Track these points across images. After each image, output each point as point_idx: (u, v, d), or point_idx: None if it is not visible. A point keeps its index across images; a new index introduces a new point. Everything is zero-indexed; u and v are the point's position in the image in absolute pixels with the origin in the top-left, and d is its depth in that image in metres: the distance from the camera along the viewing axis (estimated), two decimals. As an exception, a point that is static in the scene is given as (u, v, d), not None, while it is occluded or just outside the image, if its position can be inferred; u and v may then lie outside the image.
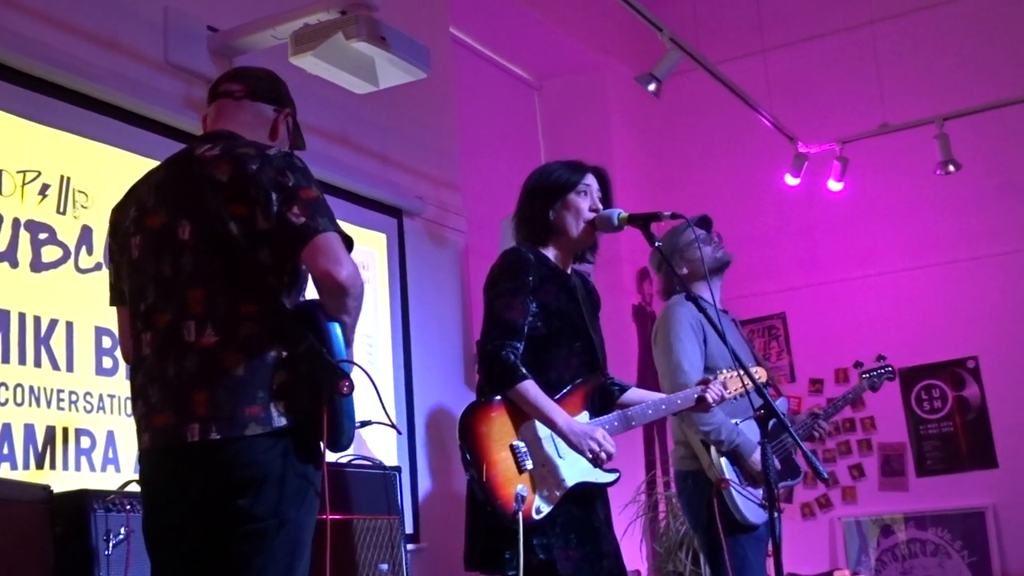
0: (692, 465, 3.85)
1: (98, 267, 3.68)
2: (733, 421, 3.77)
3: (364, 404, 2.47)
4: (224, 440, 2.19)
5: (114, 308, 2.53)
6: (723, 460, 3.75)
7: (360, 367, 2.32)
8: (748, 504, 3.76)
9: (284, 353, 2.26)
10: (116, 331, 2.57)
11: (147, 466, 2.36)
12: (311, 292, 2.36)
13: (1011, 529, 6.62)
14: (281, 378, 2.24)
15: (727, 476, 3.73)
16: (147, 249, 2.37)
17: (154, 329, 2.32)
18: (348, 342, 2.32)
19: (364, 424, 2.67)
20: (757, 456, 3.73)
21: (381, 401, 2.42)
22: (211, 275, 2.27)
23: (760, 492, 3.76)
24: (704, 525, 3.81)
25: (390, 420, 2.57)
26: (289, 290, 2.32)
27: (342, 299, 2.25)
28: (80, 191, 3.70)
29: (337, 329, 2.27)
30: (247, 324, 2.25)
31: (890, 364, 4.47)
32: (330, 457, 4.03)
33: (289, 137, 2.61)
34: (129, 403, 2.44)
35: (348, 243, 2.31)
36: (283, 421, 2.23)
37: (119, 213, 2.50)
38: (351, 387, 2.24)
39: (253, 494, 2.20)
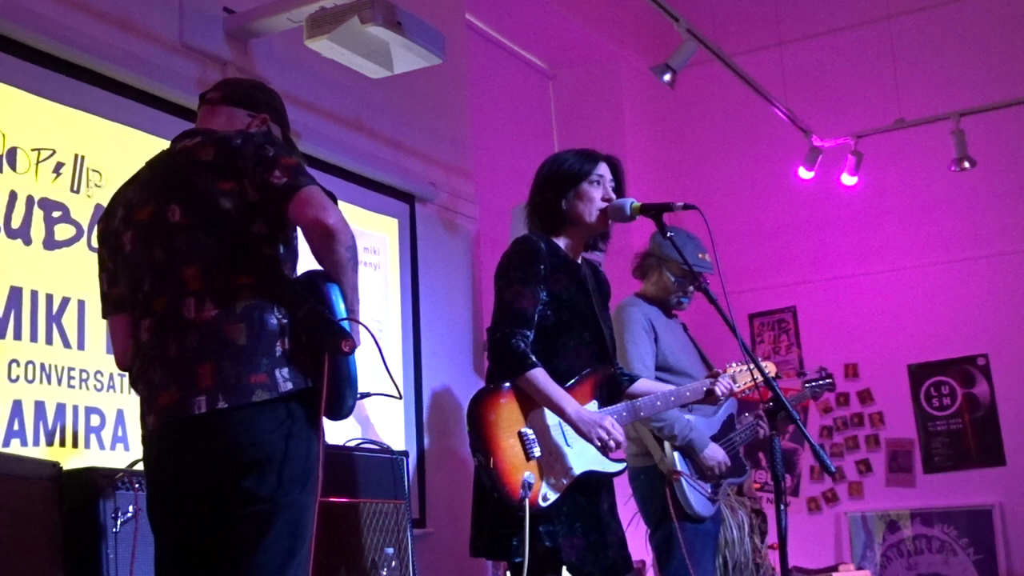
0: (644, 462, 3.98)
1: (110, 246, 3.69)
2: (688, 416, 3.92)
3: (369, 375, 2.46)
4: (231, 408, 2.20)
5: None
6: (676, 454, 3.90)
7: (363, 324, 2.31)
8: (697, 496, 3.91)
9: (285, 319, 2.27)
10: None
11: (152, 445, 2.37)
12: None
13: (1018, 527, 6.61)
14: (284, 344, 2.26)
15: (679, 468, 3.88)
16: (139, 240, 2.39)
17: (152, 314, 2.33)
18: (352, 308, 2.31)
19: (365, 395, 2.67)
20: (709, 451, 3.91)
21: (384, 362, 2.40)
22: (205, 252, 2.29)
23: (709, 486, 3.96)
24: (656, 519, 3.97)
25: (394, 382, 2.55)
26: (285, 261, 2.34)
27: (332, 245, 2.25)
28: (94, 170, 3.71)
29: (336, 291, 2.27)
30: (245, 294, 2.27)
31: (831, 376, 4.64)
32: (338, 440, 4.05)
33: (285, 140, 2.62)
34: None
35: (331, 198, 2.31)
36: (289, 386, 2.24)
37: (106, 221, 2.52)
38: (352, 346, 2.24)
39: (257, 475, 2.21)
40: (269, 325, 2.26)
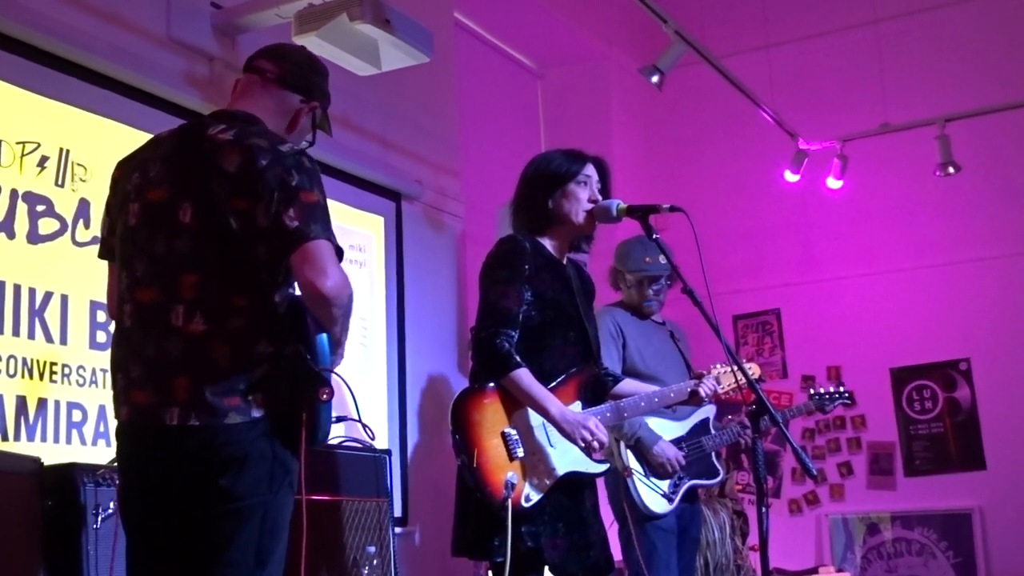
0: (612, 463, 3.98)
1: (95, 241, 3.67)
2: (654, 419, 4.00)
3: (345, 406, 2.49)
4: (203, 426, 2.19)
5: (105, 263, 2.51)
6: (628, 452, 3.99)
7: (341, 377, 2.32)
8: (650, 494, 3.98)
9: (270, 348, 2.24)
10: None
11: (125, 441, 2.35)
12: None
13: (997, 531, 6.65)
14: (263, 372, 2.23)
15: (630, 466, 3.96)
16: (144, 221, 2.34)
17: (135, 303, 2.31)
18: (339, 342, 2.32)
19: (340, 419, 2.68)
20: (658, 448, 3.99)
21: (358, 412, 2.43)
22: (207, 263, 2.25)
23: (665, 483, 4.01)
24: (620, 518, 4.04)
25: (365, 428, 2.59)
26: (281, 287, 2.30)
27: (326, 309, 2.23)
28: (79, 164, 3.69)
29: (324, 340, 2.27)
30: (236, 317, 2.23)
31: (848, 391, 4.57)
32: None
33: (312, 130, 2.56)
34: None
35: (339, 253, 2.27)
36: (260, 412, 2.22)
37: (122, 171, 2.46)
38: (330, 395, 2.24)
39: (234, 473, 2.20)
40: (253, 353, 2.23)
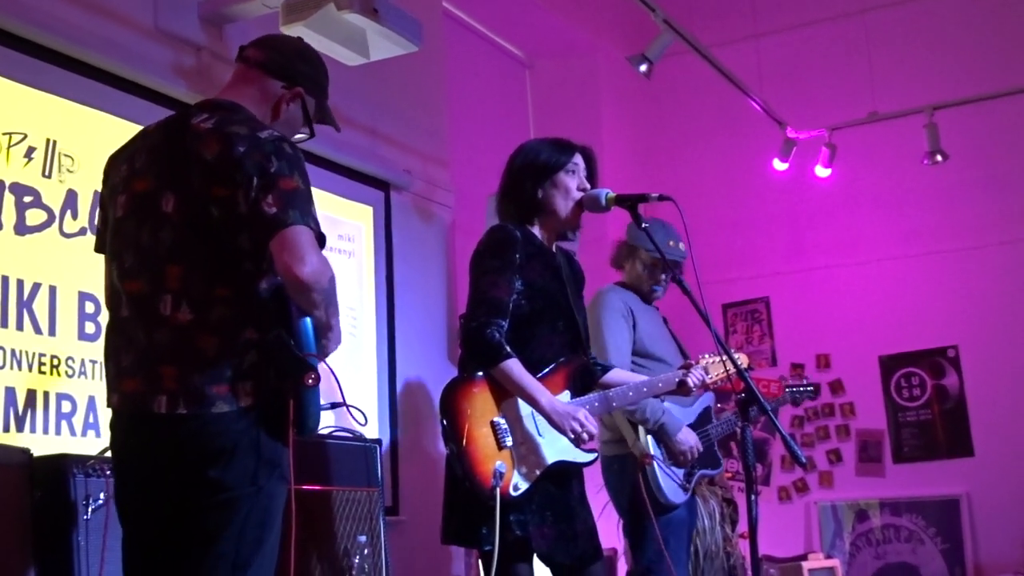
0: (617, 450, 3.96)
1: (82, 232, 3.67)
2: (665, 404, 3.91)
3: (334, 393, 2.49)
4: (191, 415, 2.20)
5: (101, 256, 2.49)
6: (649, 438, 3.88)
7: (326, 364, 2.31)
8: (669, 483, 3.89)
9: (254, 338, 2.24)
10: (99, 296, 2.56)
11: (117, 431, 2.36)
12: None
13: (985, 517, 6.69)
14: (250, 360, 2.23)
15: (650, 452, 3.85)
16: (130, 212, 2.35)
17: (127, 294, 2.32)
18: (329, 326, 2.31)
19: (335, 406, 2.68)
20: (681, 436, 3.89)
21: (343, 395, 2.42)
22: (190, 253, 2.26)
23: (681, 473, 3.93)
24: (627, 507, 3.94)
25: (353, 414, 2.59)
26: (267, 275, 2.29)
27: (306, 295, 2.22)
28: (66, 155, 3.69)
29: (307, 324, 2.26)
30: (220, 307, 2.24)
31: (812, 384, 4.77)
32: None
33: (308, 123, 2.55)
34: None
35: (320, 239, 2.26)
36: (249, 401, 2.22)
37: (113, 163, 2.47)
38: (316, 380, 2.22)
39: (224, 464, 2.20)
40: (239, 341, 2.23)
